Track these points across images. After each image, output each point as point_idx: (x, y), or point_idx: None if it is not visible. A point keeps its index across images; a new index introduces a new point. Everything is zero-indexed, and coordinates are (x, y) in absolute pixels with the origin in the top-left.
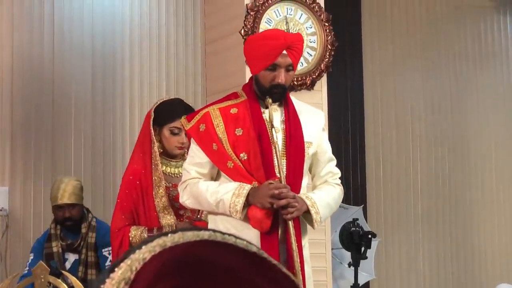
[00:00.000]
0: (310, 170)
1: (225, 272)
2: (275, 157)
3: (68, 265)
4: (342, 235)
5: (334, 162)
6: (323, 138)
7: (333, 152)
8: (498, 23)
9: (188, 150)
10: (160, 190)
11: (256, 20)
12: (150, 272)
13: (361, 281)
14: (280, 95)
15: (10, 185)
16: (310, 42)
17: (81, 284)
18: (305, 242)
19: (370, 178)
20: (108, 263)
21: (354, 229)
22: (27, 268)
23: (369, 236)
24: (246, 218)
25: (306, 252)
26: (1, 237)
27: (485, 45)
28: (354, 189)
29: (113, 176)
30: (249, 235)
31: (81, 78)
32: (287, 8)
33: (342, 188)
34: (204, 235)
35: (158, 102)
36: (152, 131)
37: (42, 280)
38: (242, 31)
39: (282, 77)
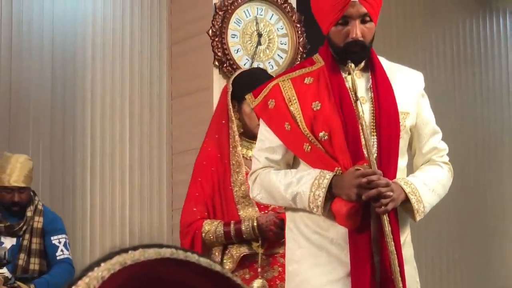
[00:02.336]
0: (410, 147)
1: None
2: (362, 135)
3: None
4: None
5: (440, 135)
6: (423, 106)
7: None
8: (478, 26)
9: None
10: (240, 177)
11: (225, 20)
12: None
13: None
14: (361, 55)
15: None
16: (281, 44)
17: None
18: (405, 238)
19: None
20: (59, 252)
21: None
22: None
23: None
24: (331, 214)
25: (407, 251)
26: None
27: (464, 48)
28: None
29: (72, 184)
30: (336, 234)
31: (40, 81)
32: (257, 8)
33: (451, 167)
34: (166, 252)
35: (236, 73)
36: (230, 107)
37: None
38: (210, 31)
39: (357, 31)
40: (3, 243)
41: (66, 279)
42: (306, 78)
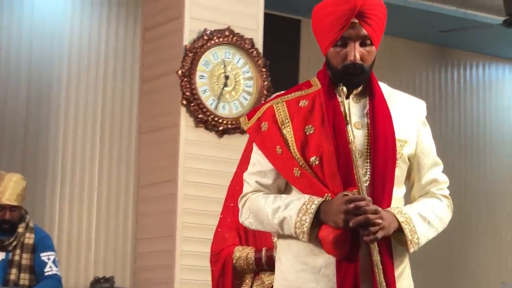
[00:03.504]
0: (409, 177)
1: None
2: (354, 161)
3: None
4: None
5: (440, 167)
6: (423, 135)
7: None
8: (434, 78)
9: None
10: None
11: (194, 61)
12: None
13: None
14: (359, 78)
15: None
16: (247, 86)
17: None
18: (402, 270)
19: None
20: (48, 269)
21: None
22: None
23: None
24: (319, 242)
25: (403, 284)
26: None
27: (421, 97)
28: None
29: (42, 208)
30: (324, 263)
31: (14, 110)
32: (225, 52)
33: (451, 202)
34: None
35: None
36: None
37: None
38: (179, 71)
39: (355, 53)
40: None
41: None
42: (301, 101)
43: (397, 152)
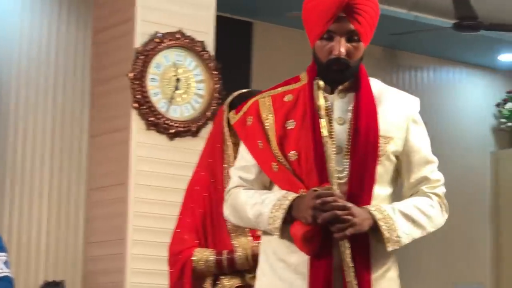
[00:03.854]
0: (400, 176)
1: None
2: (333, 156)
3: None
4: None
5: (433, 165)
6: (413, 132)
7: None
8: (384, 81)
9: None
10: None
11: (145, 64)
12: None
13: None
14: (343, 73)
15: None
16: (198, 89)
17: None
18: (384, 271)
19: None
20: None
21: None
22: None
23: None
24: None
25: (386, 285)
26: None
27: None
28: None
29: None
30: (298, 261)
31: None
32: (176, 55)
33: (445, 201)
34: None
35: (233, 95)
36: (226, 130)
37: None
38: (131, 74)
39: (340, 48)
40: None
41: None
42: (286, 96)
43: (380, 149)
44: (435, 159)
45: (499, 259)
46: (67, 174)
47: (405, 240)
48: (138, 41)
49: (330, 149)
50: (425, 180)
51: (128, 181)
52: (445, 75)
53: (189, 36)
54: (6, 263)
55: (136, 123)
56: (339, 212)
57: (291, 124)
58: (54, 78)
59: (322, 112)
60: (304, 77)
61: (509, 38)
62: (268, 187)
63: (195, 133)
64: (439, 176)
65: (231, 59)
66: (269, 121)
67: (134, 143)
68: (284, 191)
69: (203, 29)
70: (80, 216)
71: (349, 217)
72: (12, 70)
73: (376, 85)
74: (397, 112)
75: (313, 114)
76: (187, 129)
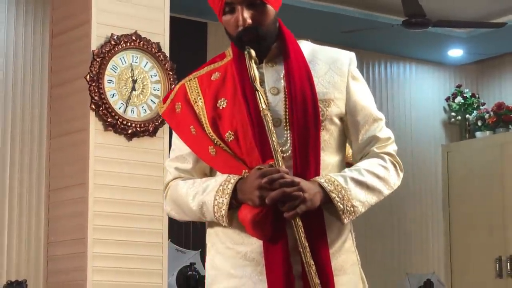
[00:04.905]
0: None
1: None
2: (268, 130)
3: None
4: (179, 279)
5: (381, 122)
6: (353, 90)
7: None
8: None
9: None
10: None
11: (102, 66)
12: None
13: None
14: (258, 42)
15: None
16: (154, 90)
17: None
18: (341, 244)
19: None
20: None
21: (191, 273)
22: None
23: (205, 280)
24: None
25: (343, 259)
26: None
27: None
28: (193, 233)
29: None
30: (251, 247)
31: None
32: (132, 56)
33: (398, 159)
34: None
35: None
36: None
37: None
38: (88, 76)
39: (241, 17)
40: None
41: None
42: (213, 74)
43: (322, 114)
44: (382, 116)
45: (451, 249)
46: (27, 175)
47: (361, 208)
48: (95, 43)
49: (270, 122)
50: (374, 139)
51: (87, 181)
52: (396, 70)
53: (144, 38)
54: None
55: (94, 124)
56: (287, 189)
57: (222, 103)
58: (13, 80)
59: (257, 83)
60: (229, 53)
61: (457, 34)
62: (209, 175)
63: (152, 133)
64: (388, 134)
65: (186, 59)
66: (199, 104)
67: (92, 144)
68: (225, 175)
69: (158, 31)
70: (41, 216)
71: (299, 193)
72: None
73: (307, 47)
74: (333, 71)
75: (244, 88)
76: (145, 129)
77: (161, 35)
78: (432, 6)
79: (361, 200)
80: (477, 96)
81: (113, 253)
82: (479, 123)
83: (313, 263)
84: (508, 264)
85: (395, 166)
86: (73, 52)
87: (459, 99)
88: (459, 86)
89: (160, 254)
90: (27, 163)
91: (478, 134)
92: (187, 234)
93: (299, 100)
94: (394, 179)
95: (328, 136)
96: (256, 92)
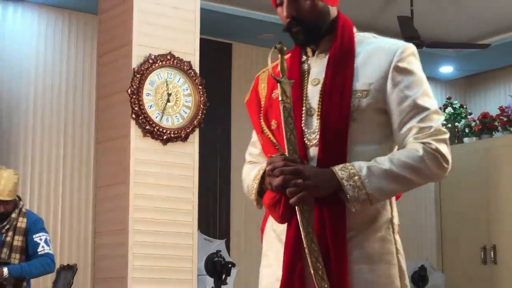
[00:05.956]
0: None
1: None
2: (283, 119)
3: None
4: (207, 264)
5: (424, 113)
6: (391, 82)
7: (204, 197)
8: None
9: None
10: None
11: (141, 81)
12: None
13: None
14: (303, 33)
15: None
16: (186, 101)
17: None
18: (369, 234)
19: (233, 216)
20: (41, 248)
21: (217, 259)
22: None
23: (229, 265)
24: None
25: (374, 246)
26: None
27: None
28: (219, 225)
29: None
30: (280, 228)
31: None
32: (167, 73)
33: (436, 146)
34: None
35: None
36: None
37: None
38: (129, 90)
39: (285, 9)
40: None
41: (43, 270)
42: (278, 66)
43: (353, 105)
44: (429, 105)
45: (442, 239)
46: (77, 175)
47: (380, 196)
48: (135, 62)
49: (286, 112)
50: (413, 129)
51: (128, 180)
52: None
53: (177, 57)
54: (46, 241)
55: (134, 131)
56: (286, 177)
57: (274, 94)
58: (66, 93)
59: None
60: None
61: (447, 53)
62: None
63: (184, 139)
64: (432, 122)
65: (213, 75)
66: (263, 93)
67: (133, 148)
68: (265, 163)
69: (189, 51)
70: (89, 210)
71: (299, 181)
72: (30, 87)
73: (365, 39)
74: (377, 63)
75: (273, 80)
76: (178, 135)
77: (192, 54)
78: (426, 30)
79: (381, 188)
80: (465, 107)
81: (150, 242)
82: (467, 130)
83: (316, 249)
84: (492, 252)
85: (433, 155)
86: (116, 69)
87: (449, 109)
88: (449, 98)
89: (191, 242)
90: (77, 164)
91: (465, 139)
92: (214, 225)
93: (334, 91)
94: (431, 167)
95: (361, 126)
96: (278, 84)
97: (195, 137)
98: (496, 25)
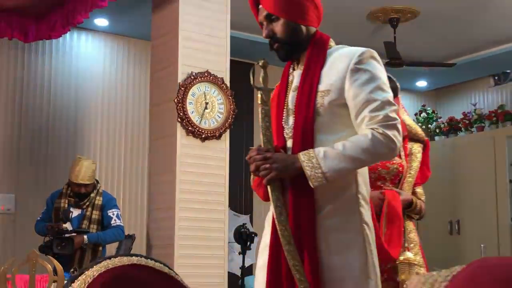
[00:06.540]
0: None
1: (144, 285)
2: (261, 119)
3: (71, 217)
4: (235, 234)
5: (374, 104)
6: (352, 80)
7: (233, 182)
8: None
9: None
10: None
11: (185, 93)
12: (97, 284)
13: (246, 264)
14: (282, 49)
15: (16, 193)
16: (220, 109)
17: (58, 263)
18: (329, 207)
19: (255, 197)
20: (113, 221)
21: (243, 230)
22: (40, 216)
23: (253, 235)
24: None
25: (331, 220)
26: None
27: None
28: (245, 203)
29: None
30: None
31: (64, 127)
32: (205, 86)
33: (384, 130)
34: (133, 260)
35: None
36: None
37: (34, 262)
38: (175, 99)
39: (264, 32)
40: (72, 212)
41: (115, 238)
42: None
43: (317, 102)
44: (379, 97)
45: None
46: (135, 165)
47: (333, 173)
48: (180, 78)
49: (262, 114)
50: (365, 118)
51: (175, 169)
52: None
53: (213, 74)
54: (118, 216)
55: (180, 131)
56: (257, 163)
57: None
58: (126, 103)
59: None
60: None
61: (422, 71)
62: None
63: (218, 137)
64: (379, 112)
65: (240, 88)
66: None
67: (179, 144)
68: None
69: (222, 69)
70: (145, 192)
71: (266, 165)
72: (98, 98)
73: (336, 50)
74: (337, 66)
75: (281, 88)
76: (213, 135)
77: (224, 72)
78: (406, 52)
79: (334, 167)
80: (436, 112)
81: (191, 217)
82: (437, 131)
83: (283, 219)
84: (456, 225)
85: (379, 138)
86: (165, 84)
87: (423, 114)
88: (423, 106)
89: (223, 217)
90: (136, 157)
91: (436, 138)
92: (241, 204)
93: (304, 94)
94: (378, 148)
95: (326, 120)
96: (258, 91)
97: (226, 136)
98: (460, 48)
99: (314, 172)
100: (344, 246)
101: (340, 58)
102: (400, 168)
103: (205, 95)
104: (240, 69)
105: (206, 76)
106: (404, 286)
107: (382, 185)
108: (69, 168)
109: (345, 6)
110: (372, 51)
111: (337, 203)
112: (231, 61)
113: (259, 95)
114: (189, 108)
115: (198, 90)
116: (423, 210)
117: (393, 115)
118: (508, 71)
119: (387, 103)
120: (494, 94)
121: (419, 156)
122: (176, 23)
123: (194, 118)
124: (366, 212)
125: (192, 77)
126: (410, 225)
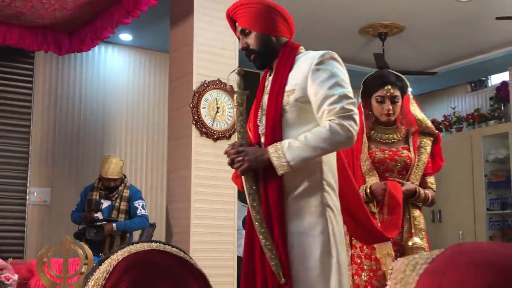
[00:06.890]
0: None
1: (164, 269)
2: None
3: (102, 207)
4: (243, 222)
5: (332, 98)
6: (311, 79)
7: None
8: None
9: (402, 116)
10: (363, 155)
11: (199, 99)
12: (121, 267)
13: None
14: (257, 59)
15: (52, 187)
16: (230, 113)
17: (88, 249)
18: (296, 191)
19: None
20: (139, 211)
21: None
22: (75, 207)
23: None
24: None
25: (298, 202)
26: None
27: None
28: None
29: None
30: None
31: (95, 126)
32: (217, 93)
33: (341, 121)
34: (153, 245)
35: (368, 75)
36: (361, 101)
37: (67, 247)
38: (191, 104)
39: (240, 45)
40: (102, 203)
41: (140, 226)
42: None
43: (284, 100)
44: (336, 92)
45: None
46: (155, 162)
47: (297, 162)
48: (195, 86)
49: (237, 114)
50: (324, 112)
51: (191, 166)
52: None
53: (223, 82)
54: (143, 206)
55: (195, 132)
56: (231, 156)
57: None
58: (147, 108)
59: (236, 90)
60: None
61: (408, 78)
62: None
63: (228, 137)
64: (336, 105)
65: (248, 95)
66: None
67: (194, 143)
68: None
69: (231, 78)
70: (164, 186)
71: (239, 158)
72: (123, 104)
73: (302, 55)
74: (301, 68)
75: (258, 93)
76: (224, 135)
77: (233, 80)
78: (393, 62)
79: (296, 155)
80: None
81: (205, 207)
82: None
83: (255, 204)
84: (438, 214)
85: (335, 128)
86: (182, 91)
87: None
88: None
89: (232, 207)
90: (156, 156)
91: None
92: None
93: (273, 95)
94: (335, 136)
95: (293, 116)
96: (234, 94)
97: (236, 137)
98: (441, 59)
99: (280, 162)
100: (309, 226)
101: (304, 61)
102: (408, 160)
103: (216, 101)
104: (246, 77)
105: (218, 84)
106: (390, 267)
107: (389, 176)
108: (100, 164)
109: (340, 23)
110: (332, 53)
111: (302, 189)
112: None
113: (235, 97)
114: (203, 112)
115: (210, 96)
116: (430, 198)
117: (350, 107)
118: (483, 78)
119: (344, 96)
120: (471, 99)
121: (428, 149)
122: (192, 38)
123: (207, 121)
124: (331, 197)
125: (205, 85)
126: (415, 212)
